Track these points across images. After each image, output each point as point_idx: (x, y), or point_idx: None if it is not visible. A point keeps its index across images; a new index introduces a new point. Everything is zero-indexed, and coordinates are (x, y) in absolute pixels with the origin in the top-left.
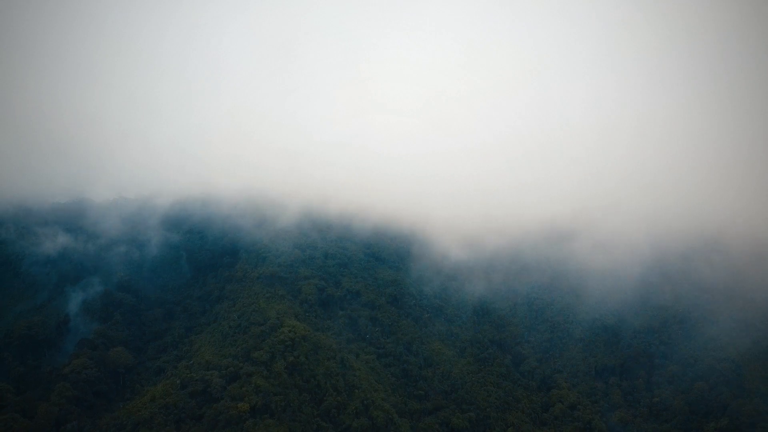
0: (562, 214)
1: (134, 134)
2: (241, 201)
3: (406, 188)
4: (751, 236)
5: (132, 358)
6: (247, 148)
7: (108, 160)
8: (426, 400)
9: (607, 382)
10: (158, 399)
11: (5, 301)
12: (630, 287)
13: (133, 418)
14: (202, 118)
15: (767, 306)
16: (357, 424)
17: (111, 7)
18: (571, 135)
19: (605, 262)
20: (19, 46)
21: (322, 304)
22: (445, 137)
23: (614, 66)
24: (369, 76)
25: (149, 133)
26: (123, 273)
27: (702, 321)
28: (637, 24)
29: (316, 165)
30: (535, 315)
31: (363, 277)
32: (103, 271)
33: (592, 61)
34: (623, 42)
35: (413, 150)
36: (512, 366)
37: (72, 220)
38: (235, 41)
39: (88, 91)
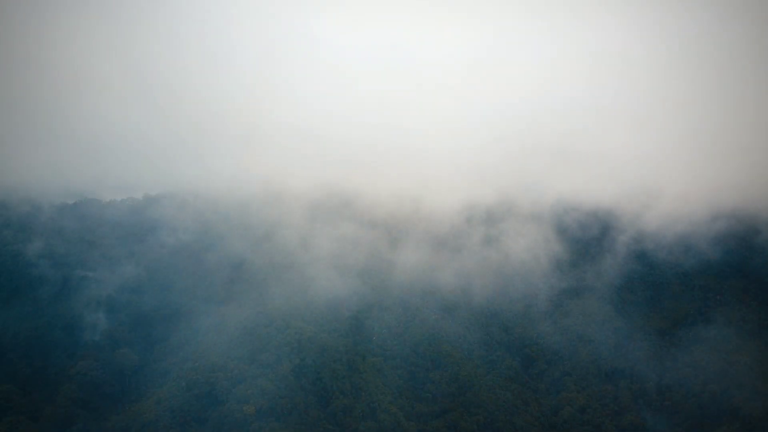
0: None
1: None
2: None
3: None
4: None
5: (138, 360)
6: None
7: (114, 159)
8: (433, 402)
9: (617, 385)
10: (164, 401)
11: (11, 302)
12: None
13: (138, 420)
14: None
15: None
16: (364, 427)
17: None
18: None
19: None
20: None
21: (327, 306)
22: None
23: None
24: None
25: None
26: (129, 274)
27: (714, 323)
28: None
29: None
30: (544, 317)
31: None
32: (110, 273)
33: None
34: None
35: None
36: (521, 369)
37: (79, 219)
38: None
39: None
